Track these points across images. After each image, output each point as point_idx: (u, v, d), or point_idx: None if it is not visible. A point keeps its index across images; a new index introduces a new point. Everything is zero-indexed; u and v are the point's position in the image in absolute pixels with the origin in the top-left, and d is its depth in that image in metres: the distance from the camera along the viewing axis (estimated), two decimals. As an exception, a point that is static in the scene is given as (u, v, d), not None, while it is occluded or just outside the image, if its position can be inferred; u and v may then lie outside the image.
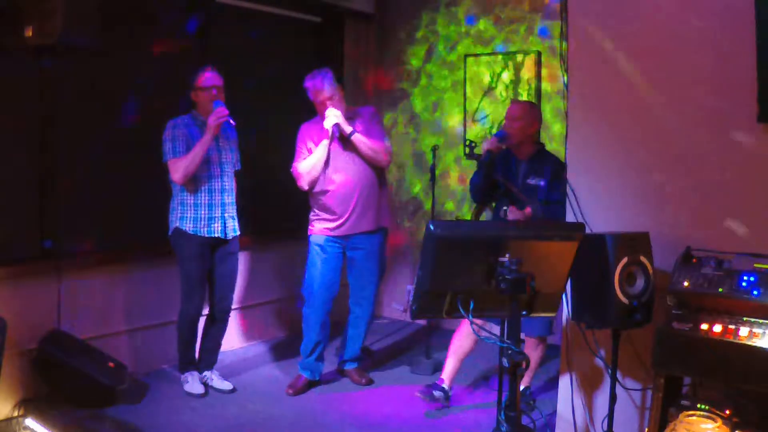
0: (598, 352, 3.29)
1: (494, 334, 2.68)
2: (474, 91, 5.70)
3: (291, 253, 5.63)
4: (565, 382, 3.47)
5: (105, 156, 4.54)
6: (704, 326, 2.70)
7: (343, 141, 4.31)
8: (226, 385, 4.45)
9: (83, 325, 4.37)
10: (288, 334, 5.60)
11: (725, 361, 2.63)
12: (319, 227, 4.42)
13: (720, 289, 2.71)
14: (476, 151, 4.19)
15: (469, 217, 5.70)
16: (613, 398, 3.06)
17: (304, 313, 4.49)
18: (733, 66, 2.92)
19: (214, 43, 5.14)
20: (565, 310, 3.27)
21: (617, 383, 3.08)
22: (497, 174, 4.16)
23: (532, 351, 4.10)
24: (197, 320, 4.41)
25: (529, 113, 4.15)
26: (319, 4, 5.69)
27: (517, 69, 5.47)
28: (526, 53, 5.42)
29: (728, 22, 2.94)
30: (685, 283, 2.79)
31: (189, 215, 4.20)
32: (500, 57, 5.56)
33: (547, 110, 5.36)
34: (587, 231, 2.83)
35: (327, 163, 4.31)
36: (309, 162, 4.32)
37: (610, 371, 3.10)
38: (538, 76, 5.38)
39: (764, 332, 2.57)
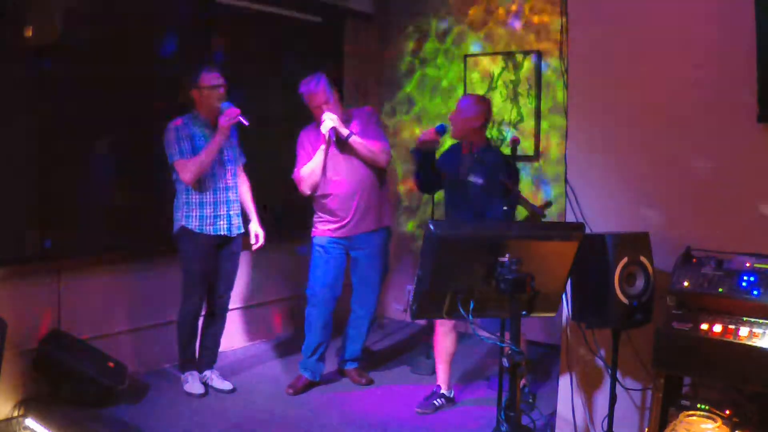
0: (598, 352, 3.29)
1: (494, 334, 2.68)
2: (474, 91, 5.70)
3: (293, 253, 5.63)
4: (565, 382, 3.47)
5: (105, 156, 4.54)
6: (704, 326, 2.70)
7: (341, 144, 4.31)
8: (226, 385, 4.45)
9: (83, 325, 4.37)
10: (288, 334, 5.60)
11: (725, 361, 2.63)
12: (322, 228, 4.43)
13: (720, 289, 2.71)
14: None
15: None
16: (613, 398, 3.06)
17: (306, 314, 4.50)
18: (733, 66, 2.92)
19: (215, 43, 5.13)
20: (565, 310, 3.27)
21: (617, 383, 3.08)
22: (443, 166, 4.14)
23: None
24: (197, 318, 4.41)
25: (474, 107, 4.06)
26: (319, 4, 5.68)
27: (517, 69, 5.47)
28: (526, 53, 5.42)
29: (728, 23, 2.94)
30: (685, 283, 2.79)
31: (195, 214, 4.21)
32: (500, 57, 5.55)
33: (547, 110, 5.36)
34: (587, 231, 2.83)
35: (326, 167, 4.32)
36: (308, 167, 4.33)
37: (610, 371, 3.10)
38: (538, 76, 5.38)
39: (764, 332, 2.58)
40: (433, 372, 4.78)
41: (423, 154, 4.09)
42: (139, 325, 4.69)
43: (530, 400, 4.13)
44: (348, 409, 4.23)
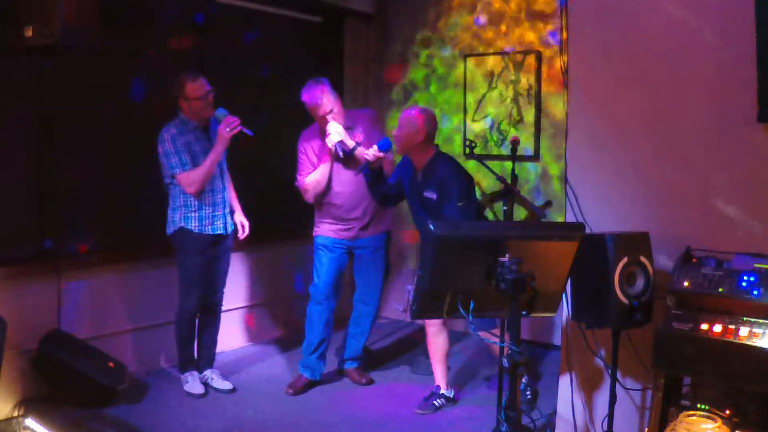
0: (598, 352, 3.29)
1: (494, 335, 2.68)
2: (474, 91, 5.70)
3: (292, 253, 5.64)
4: (565, 382, 3.47)
5: (105, 156, 4.54)
6: (704, 326, 2.70)
7: (347, 155, 4.25)
8: (226, 385, 4.45)
9: (83, 325, 4.37)
10: (288, 334, 5.60)
11: (725, 361, 2.63)
12: (326, 229, 4.44)
13: (720, 289, 2.71)
14: (476, 151, 4.18)
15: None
16: (613, 398, 3.06)
17: (308, 311, 4.50)
18: (733, 66, 2.92)
19: (214, 43, 5.14)
20: (565, 310, 3.27)
21: (617, 383, 3.08)
22: (400, 180, 4.12)
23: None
24: (195, 317, 4.43)
25: (413, 122, 3.94)
26: (319, 4, 5.68)
27: (517, 69, 5.47)
28: (526, 53, 5.42)
29: (728, 22, 2.94)
30: (685, 283, 2.79)
31: (195, 215, 4.23)
32: (500, 57, 5.55)
33: (547, 110, 5.36)
34: (587, 231, 2.83)
35: (331, 177, 4.32)
36: (313, 178, 4.32)
37: (610, 371, 3.10)
38: (538, 76, 5.38)
39: (764, 332, 2.57)
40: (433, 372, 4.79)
41: (371, 172, 4.05)
42: (139, 325, 4.69)
43: (528, 397, 4.12)
44: (348, 409, 4.23)
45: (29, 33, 3.70)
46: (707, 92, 3.02)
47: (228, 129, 4.12)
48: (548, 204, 5.30)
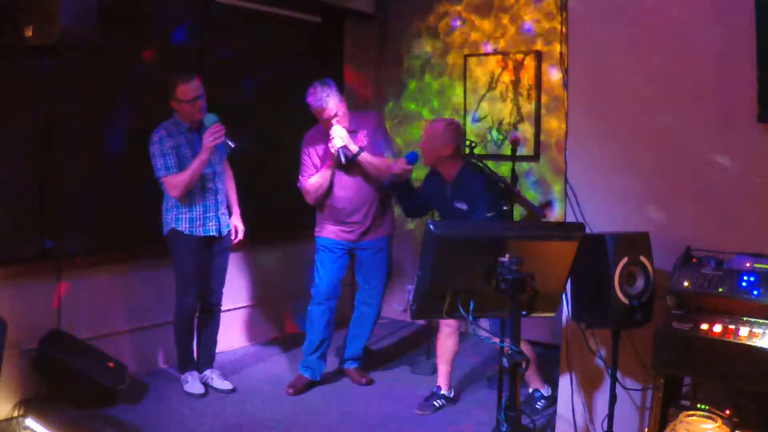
0: (598, 352, 3.29)
1: (486, 329, 2.68)
2: (474, 91, 5.70)
3: (291, 253, 5.63)
4: (565, 382, 3.47)
5: (105, 156, 4.54)
6: (704, 326, 2.70)
7: (349, 160, 4.24)
8: (226, 385, 4.45)
9: (83, 325, 4.37)
10: (288, 334, 5.60)
11: (725, 361, 2.63)
12: (327, 230, 4.44)
13: (720, 289, 2.71)
14: (476, 151, 4.17)
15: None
16: (613, 398, 3.06)
17: (309, 312, 4.50)
18: (733, 66, 2.92)
19: (214, 43, 5.14)
20: (565, 310, 3.27)
21: (617, 383, 3.08)
22: (428, 192, 4.14)
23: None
24: (193, 317, 4.43)
25: (442, 134, 3.95)
26: (319, 4, 5.68)
27: (517, 69, 5.47)
28: (526, 53, 5.42)
29: (728, 22, 2.94)
30: (685, 283, 2.79)
31: (185, 216, 4.23)
32: (500, 57, 5.55)
33: (547, 110, 5.36)
34: (587, 231, 2.83)
35: (333, 181, 4.32)
36: (315, 181, 4.31)
37: (610, 371, 3.10)
38: (538, 76, 5.37)
39: (764, 332, 2.57)
40: (434, 372, 4.78)
41: (399, 185, 4.06)
42: (139, 325, 4.69)
43: (538, 406, 4.11)
44: (348, 409, 4.23)
45: (29, 33, 3.70)
46: (707, 92, 3.02)
47: (211, 138, 4.11)
48: (548, 204, 5.30)
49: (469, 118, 5.75)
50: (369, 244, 4.46)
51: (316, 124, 4.41)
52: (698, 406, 2.70)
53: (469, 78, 5.72)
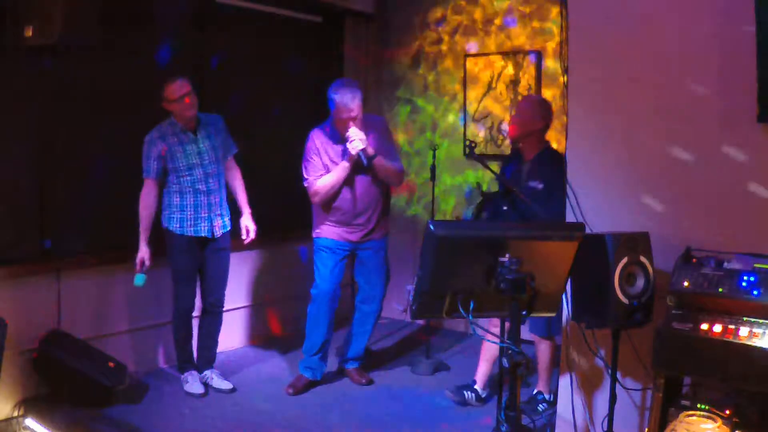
0: (598, 352, 3.29)
1: (495, 335, 2.68)
2: (474, 91, 5.70)
3: (291, 253, 5.63)
4: (565, 382, 3.47)
5: (104, 156, 4.54)
6: (704, 326, 2.70)
7: (360, 161, 4.23)
8: (226, 385, 4.45)
9: (83, 325, 4.37)
10: (288, 334, 5.60)
11: (725, 361, 2.63)
12: (328, 231, 4.42)
13: (720, 289, 2.71)
14: (476, 151, 4.16)
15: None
16: (613, 398, 3.06)
17: (309, 312, 4.49)
18: (733, 66, 2.92)
19: (214, 43, 5.14)
20: (565, 310, 3.27)
21: (617, 383, 3.08)
22: (507, 176, 4.10)
23: (540, 351, 4.11)
24: (190, 315, 4.43)
25: (532, 109, 3.99)
26: (319, 4, 5.69)
27: (517, 69, 5.47)
28: (526, 53, 5.42)
29: (728, 22, 2.94)
30: (685, 283, 2.79)
31: (176, 216, 4.26)
32: (500, 57, 5.55)
33: (547, 110, 5.36)
34: (587, 231, 2.83)
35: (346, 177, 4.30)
36: (328, 182, 4.25)
37: (610, 371, 3.10)
38: (538, 76, 5.38)
39: (764, 332, 2.57)
40: (434, 372, 4.80)
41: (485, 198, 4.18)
42: (139, 325, 4.70)
43: (540, 408, 4.11)
44: (348, 409, 4.23)
45: (29, 33, 3.70)
46: (707, 92, 3.02)
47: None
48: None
49: (469, 118, 5.75)
50: (370, 245, 4.47)
51: (319, 123, 4.40)
52: (698, 406, 2.70)
53: (469, 78, 5.72)
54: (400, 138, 6.16)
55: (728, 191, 2.99)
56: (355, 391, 4.53)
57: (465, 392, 4.23)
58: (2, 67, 3.98)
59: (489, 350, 4.22)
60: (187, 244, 4.29)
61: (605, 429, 3.08)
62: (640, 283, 2.93)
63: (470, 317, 2.43)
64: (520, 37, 5.48)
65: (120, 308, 4.61)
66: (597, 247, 2.88)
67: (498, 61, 5.56)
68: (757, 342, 2.56)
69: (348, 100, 4.12)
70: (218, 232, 4.37)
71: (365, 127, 4.27)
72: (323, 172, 4.29)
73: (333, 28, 5.98)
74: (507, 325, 3.60)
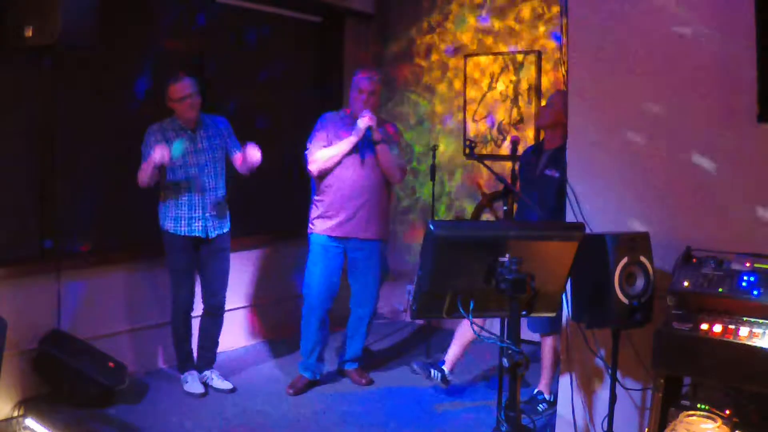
0: (598, 352, 3.29)
1: (494, 334, 2.68)
2: (474, 91, 5.70)
3: (291, 253, 5.63)
4: (565, 382, 3.47)
5: (104, 156, 4.54)
6: (704, 326, 2.70)
7: (365, 145, 4.29)
8: (226, 385, 4.45)
9: (83, 325, 4.36)
10: (288, 334, 5.59)
11: (725, 361, 2.63)
12: (321, 227, 4.40)
13: (720, 289, 2.71)
14: (476, 151, 4.18)
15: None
16: (613, 398, 3.06)
17: (303, 313, 4.49)
18: (733, 66, 2.92)
19: (214, 43, 5.14)
20: (565, 310, 3.27)
21: (617, 383, 3.08)
22: (524, 166, 4.20)
23: (545, 347, 4.12)
24: (189, 314, 4.42)
25: (565, 102, 4.08)
26: (319, 4, 5.69)
27: (517, 69, 5.47)
28: (526, 53, 5.42)
29: (728, 22, 2.94)
30: (685, 283, 2.79)
31: (170, 215, 4.27)
32: (500, 57, 5.55)
33: (547, 110, 5.36)
34: (587, 231, 2.83)
35: (349, 154, 4.30)
36: (328, 153, 4.29)
37: (610, 371, 3.10)
38: (538, 76, 5.38)
39: (764, 332, 2.57)
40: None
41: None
42: (139, 325, 4.69)
43: (540, 409, 4.11)
44: (348, 409, 4.23)
45: (29, 33, 3.70)
46: (707, 92, 3.02)
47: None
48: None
49: (469, 118, 5.75)
50: (362, 245, 4.42)
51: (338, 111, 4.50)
52: (698, 406, 2.70)
53: (469, 78, 5.73)
54: (400, 138, 6.15)
55: (728, 191, 2.99)
56: (355, 391, 4.53)
57: (432, 370, 4.26)
58: (2, 67, 3.98)
59: (464, 335, 4.26)
60: (182, 243, 4.29)
61: (605, 429, 3.08)
62: (640, 283, 2.93)
63: (470, 317, 2.43)
64: (520, 37, 5.48)
65: (120, 308, 4.61)
66: (597, 247, 2.88)
67: (498, 61, 5.56)
68: (757, 342, 2.56)
69: (367, 76, 4.34)
70: (213, 233, 4.35)
71: (379, 121, 4.36)
72: (325, 144, 4.33)
73: (333, 28, 5.97)
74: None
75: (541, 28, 5.37)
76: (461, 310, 2.42)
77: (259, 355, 5.21)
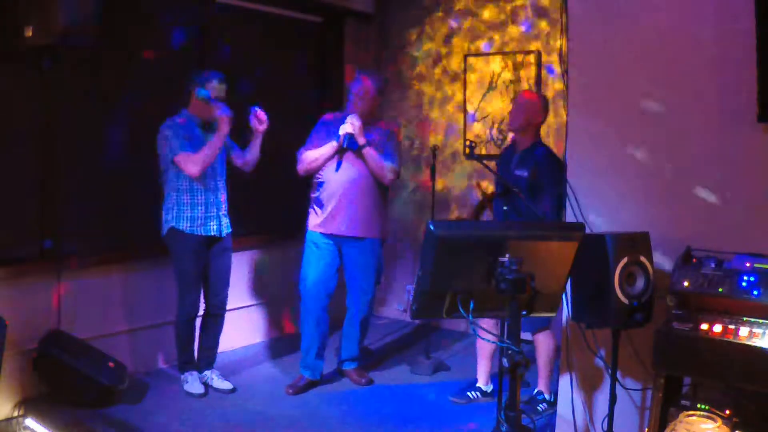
0: (598, 352, 3.29)
1: (495, 334, 2.68)
2: (474, 91, 5.70)
3: (291, 253, 5.62)
4: (565, 382, 3.47)
5: (105, 156, 4.54)
6: (704, 326, 2.70)
7: (354, 144, 4.31)
8: (226, 385, 4.45)
9: (83, 325, 4.37)
10: (288, 334, 5.60)
11: (725, 361, 2.63)
12: (313, 224, 4.43)
13: (720, 289, 2.71)
14: (476, 151, 4.20)
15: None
16: (613, 398, 3.06)
17: (300, 311, 4.51)
18: (733, 66, 2.92)
19: (214, 43, 5.14)
20: (565, 310, 3.27)
21: (617, 383, 3.08)
22: (501, 171, 4.22)
23: (539, 345, 4.13)
24: (194, 318, 4.41)
25: (536, 104, 4.17)
26: (319, 4, 5.69)
27: (517, 69, 5.47)
28: (526, 53, 5.42)
29: (728, 23, 2.94)
30: (685, 283, 2.79)
31: (186, 215, 4.22)
32: (500, 57, 5.55)
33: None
34: (587, 231, 2.83)
35: (332, 157, 4.35)
36: (312, 155, 4.37)
37: (610, 371, 3.10)
38: (538, 76, 5.38)
39: (764, 332, 2.57)
40: (434, 372, 4.80)
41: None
42: (138, 325, 4.69)
43: (540, 408, 4.12)
44: (348, 409, 4.23)
45: (29, 33, 3.70)
46: (707, 92, 3.02)
47: (261, 126, 4.29)
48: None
49: (469, 118, 5.75)
50: (355, 243, 4.42)
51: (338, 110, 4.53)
52: (698, 406, 2.70)
53: (469, 78, 5.73)
54: (400, 138, 6.16)
55: (728, 191, 2.99)
56: (354, 391, 4.53)
57: (469, 393, 4.27)
58: (2, 67, 3.97)
59: (484, 347, 4.28)
60: (196, 244, 4.26)
61: (605, 429, 3.08)
62: (640, 283, 2.93)
63: (470, 317, 2.43)
64: (520, 37, 5.48)
65: (120, 308, 4.61)
66: (597, 247, 2.88)
67: (498, 61, 5.56)
68: (757, 342, 2.56)
69: (358, 78, 4.39)
70: (225, 232, 4.37)
71: (374, 125, 4.36)
72: (316, 145, 4.40)
73: (333, 28, 5.98)
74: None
75: (542, 28, 5.37)
76: (461, 310, 2.42)
77: (259, 355, 5.21)
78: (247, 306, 5.42)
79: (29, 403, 4.03)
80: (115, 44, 4.36)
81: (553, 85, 5.31)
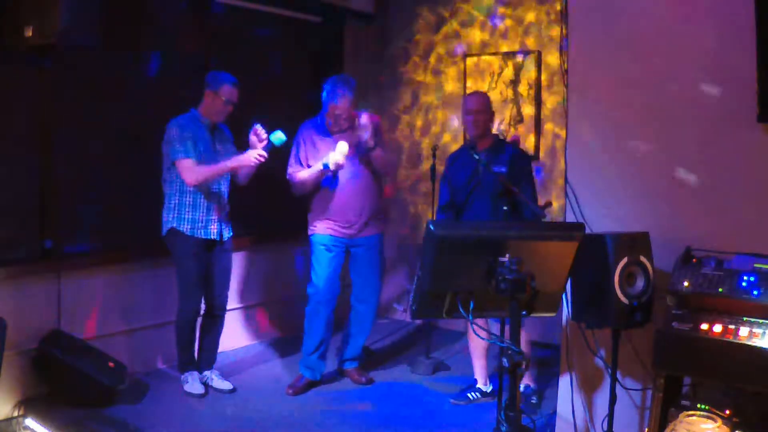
0: (598, 352, 3.29)
1: (494, 334, 2.68)
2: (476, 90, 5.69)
3: (291, 253, 5.64)
4: (565, 382, 3.47)
5: (105, 156, 4.54)
6: (704, 326, 2.70)
7: (358, 154, 4.31)
8: (226, 385, 4.45)
9: (83, 325, 4.37)
10: (288, 334, 5.60)
11: (725, 361, 2.63)
12: (323, 227, 4.42)
13: (720, 289, 2.71)
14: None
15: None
16: (613, 398, 3.06)
17: (307, 312, 4.49)
18: (733, 66, 2.92)
19: (214, 43, 5.13)
20: (565, 310, 3.27)
21: (617, 383, 3.08)
22: (456, 176, 4.23)
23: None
24: (196, 320, 4.41)
25: (489, 106, 4.25)
26: (319, 4, 5.68)
27: (517, 69, 5.47)
28: (526, 53, 5.42)
29: (728, 23, 2.94)
30: (685, 283, 2.79)
31: (187, 217, 4.21)
32: (500, 57, 5.55)
33: (547, 110, 5.36)
34: (587, 231, 2.83)
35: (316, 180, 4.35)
36: (301, 176, 4.36)
37: (610, 371, 3.10)
38: (538, 76, 5.37)
39: (764, 332, 2.58)
40: (434, 372, 4.80)
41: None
42: (138, 325, 4.69)
43: (533, 401, 4.13)
44: (348, 409, 4.23)
45: (29, 33, 3.70)
46: (707, 92, 3.02)
47: (258, 158, 4.16)
48: (548, 204, 5.30)
49: (469, 118, 5.74)
50: (364, 241, 4.45)
51: (314, 116, 4.46)
52: (698, 406, 2.70)
53: (469, 78, 5.72)
54: (400, 138, 6.16)
55: (728, 191, 2.99)
56: (355, 391, 4.53)
57: (469, 394, 4.26)
58: (2, 67, 3.97)
59: (476, 347, 4.28)
60: (196, 247, 4.25)
61: (605, 429, 3.08)
62: (640, 283, 2.93)
63: (470, 317, 2.43)
64: (520, 37, 5.48)
65: (120, 308, 4.61)
66: (597, 247, 2.88)
67: (498, 61, 5.56)
68: (757, 342, 2.57)
69: (336, 98, 4.26)
70: (226, 236, 4.36)
71: (357, 124, 4.31)
72: (299, 166, 4.40)
73: (333, 28, 5.97)
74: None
75: (542, 28, 5.37)
76: (461, 310, 2.42)
77: (259, 355, 5.21)
78: (247, 306, 5.42)
79: (29, 403, 4.03)
80: (115, 44, 4.35)
81: (553, 86, 5.30)
